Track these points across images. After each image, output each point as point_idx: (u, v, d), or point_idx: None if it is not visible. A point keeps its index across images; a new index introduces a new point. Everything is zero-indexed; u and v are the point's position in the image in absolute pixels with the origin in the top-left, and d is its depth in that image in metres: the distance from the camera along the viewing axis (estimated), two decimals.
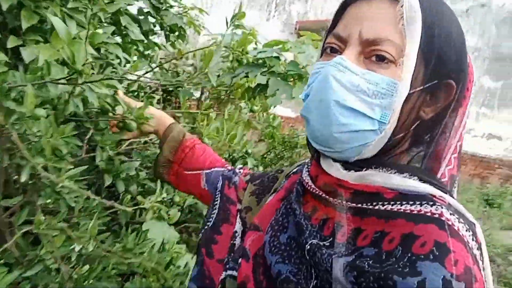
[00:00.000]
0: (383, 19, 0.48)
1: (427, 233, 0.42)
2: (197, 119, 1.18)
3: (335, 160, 0.53)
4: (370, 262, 0.43)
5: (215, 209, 0.78)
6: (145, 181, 1.08)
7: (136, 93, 1.23)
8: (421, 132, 0.51)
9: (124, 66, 1.03)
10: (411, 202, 0.46)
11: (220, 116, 1.23)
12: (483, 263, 0.45)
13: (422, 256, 0.41)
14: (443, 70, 0.49)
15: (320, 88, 0.50)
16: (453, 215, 0.45)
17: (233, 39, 1.35)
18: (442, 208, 0.45)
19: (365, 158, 0.51)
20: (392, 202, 0.47)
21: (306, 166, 0.61)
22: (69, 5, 0.70)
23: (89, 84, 0.65)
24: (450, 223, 0.44)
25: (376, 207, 0.47)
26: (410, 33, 0.47)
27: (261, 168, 1.27)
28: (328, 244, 0.49)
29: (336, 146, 0.51)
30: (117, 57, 0.88)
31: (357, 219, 0.49)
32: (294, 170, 0.70)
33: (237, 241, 0.66)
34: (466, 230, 0.45)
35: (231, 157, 1.22)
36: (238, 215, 0.72)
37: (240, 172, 0.85)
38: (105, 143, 0.86)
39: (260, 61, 1.75)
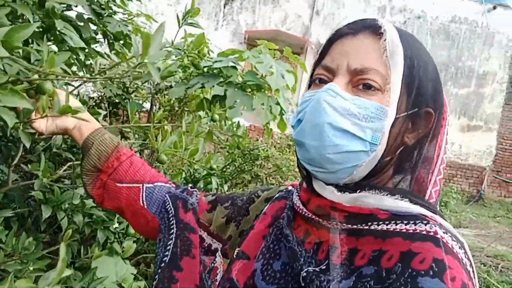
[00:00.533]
0: (368, 52, 0.53)
1: (424, 250, 0.44)
2: (149, 133, 1.05)
3: (327, 184, 0.54)
4: (372, 283, 0.44)
5: (171, 239, 0.68)
6: (92, 210, 0.93)
7: None
8: (404, 158, 0.54)
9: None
10: (405, 222, 0.48)
11: (176, 128, 1.11)
12: (475, 281, 0.47)
13: (423, 272, 0.42)
14: (422, 99, 0.53)
15: (313, 112, 0.52)
16: (446, 233, 0.47)
17: (186, 41, 1.24)
18: (435, 226, 0.47)
19: (356, 181, 0.53)
20: (386, 222, 0.49)
21: (295, 191, 0.62)
22: None
23: None
24: (444, 241, 0.46)
25: (372, 227, 0.49)
26: (394, 64, 0.51)
27: (225, 187, 1.16)
28: (324, 267, 0.49)
29: (329, 166, 0.52)
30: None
31: (352, 239, 0.50)
32: (276, 195, 0.68)
33: (218, 277, 0.63)
34: (459, 248, 0.47)
35: (191, 176, 1.10)
36: (219, 251, 0.67)
37: (195, 191, 0.76)
38: (37, 168, 0.71)
39: (215, 71, 1.66)
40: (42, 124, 0.71)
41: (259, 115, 1.78)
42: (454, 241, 0.47)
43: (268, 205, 0.66)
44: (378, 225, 0.49)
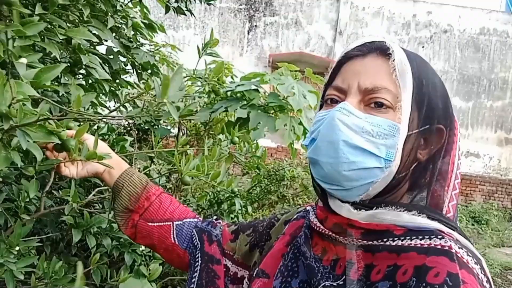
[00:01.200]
0: (378, 71, 0.54)
1: (439, 264, 0.44)
2: (173, 157, 1.08)
3: (343, 201, 0.54)
4: None
5: (196, 271, 0.70)
6: (119, 233, 0.96)
7: (107, 136, 1.13)
8: (418, 174, 0.54)
9: (88, 108, 0.94)
10: (420, 237, 0.48)
11: (199, 152, 1.14)
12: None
13: (437, 286, 0.42)
14: (433, 115, 0.54)
15: (328, 131, 0.53)
16: (462, 248, 0.47)
17: (207, 69, 1.28)
18: (450, 241, 0.47)
19: (372, 198, 0.53)
20: (402, 238, 0.49)
21: (312, 210, 0.63)
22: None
23: (22, 128, 0.52)
24: (459, 255, 0.45)
25: (387, 243, 0.49)
26: (403, 83, 0.53)
27: (249, 208, 1.17)
28: (342, 283, 0.50)
29: (345, 184, 0.53)
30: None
31: (368, 255, 0.50)
32: (295, 216, 0.69)
33: None
34: (475, 263, 0.46)
35: (216, 198, 1.12)
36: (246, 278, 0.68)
37: (219, 223, 0.78)
38: (67, 194, 0.74)
39: (239, 94, 1.70)
40: (72, 170, 0.75)
41: (283, 136, 1.80)
42: (469, 256, 0.47)
43: (286, 226, 0.67)
44: (394, 241, 0.49)
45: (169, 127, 2.41)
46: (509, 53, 9.44)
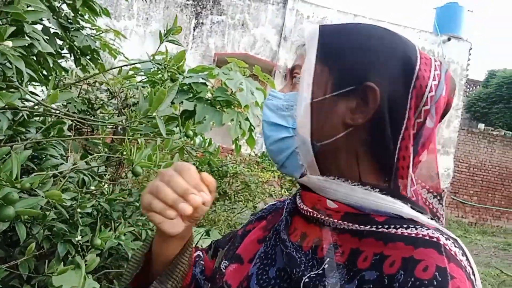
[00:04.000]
0: (300, 55, 0.58)
1: (427, 257, 0.42)
2: (123, 146, 1.02)
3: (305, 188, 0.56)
4: None
5: None
6: (53, 222, 0.89)
7: (42, 118, 1.04)
8: (355, 141, 0.51)
9: (27, 84, 0.86)
10: (405, 226, 0.46)
11: (150, 142, 1.09)
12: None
13: (426, 282, 0.40)
14: (353, 75, 0.50)
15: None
16: (448, 239, 0.45)
17: (166, 57, 1.24)
18: (437, 232, 0.45)
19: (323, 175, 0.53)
20: (386, 226, 0.47)
21: (298, 194, 0.60)
22: None
23: None
24: (447, 247, 0.43)
25: (372, 229, 0.47)
26: (308, 52, 0.54)
27: None
28: (326, 266, 0.47)
29: (276, 159, 0.57)
30: (18, 72, 0.72)
31: (355, 240, 0.48)
32: (268, 206, 0.69)
33: None
34: (462, 255, 0.45)
35: None
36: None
37: (198, 257, 0.69)
38: None
39: (185, 87, 1.67)
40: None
41: (225, 136, 1.79)
42: (456, 247, 0.45)
43: (263, 212, 0.66)
44: (378, 228, 0.47)
45: (107, 118, 2.29)
46: None
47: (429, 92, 0.50)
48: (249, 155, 2.41)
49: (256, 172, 2.01)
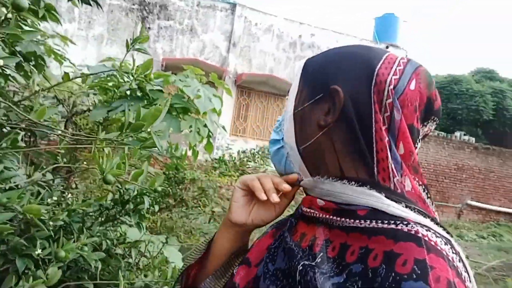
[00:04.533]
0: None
1: (406, 251, 0.43)
2: (90, 155, 1.00)
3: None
4: (360, 283, 0.44)
5: None
6: (9, 236, 0.85)
7: None
8: (335, 137, 0.55)
9: None
10: (385, 221, 0.48)
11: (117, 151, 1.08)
12: (468, 275, 0.45)
13: (406, 276, 0.41)
14: (321, 82, 0.58)
15: None
16: (429, 231, 0.46)
17: (131, 64, 1.23)
18: (416, 226, 0.46)
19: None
20: (367, 220, 0.49)
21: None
22: None
23: None
24: (427, 239, 0.44)
25: (355, 224, 0.49)
26: (294, 81, 0.62)
27: (156, 208, 1.15)
28: (319, 260, 0.50)
29: (279, 170, 0.64)
30: None
31: (343, 234, 0.50)
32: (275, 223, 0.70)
33: None
34: (445, 244, 0.45)
35: (121, 197, 1.06)
36: None
37: None
38: None
39: (139, 93, 1.65)
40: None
41: (178, 141, 1.78)
42: (438, 237, 0.46)
43: (277, 222, 0.67)
44: (361, 223, 0.49)
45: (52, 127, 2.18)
46: None
47: (389, 85, 0.54)
48: (206, 160, 2.42)
49: (214, 178, 2.03)
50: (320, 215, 0.54)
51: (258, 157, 2.51)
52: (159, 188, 1.04)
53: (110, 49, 8.88)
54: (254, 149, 2.63)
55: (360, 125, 0.53)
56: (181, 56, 9.41)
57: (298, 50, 10.40)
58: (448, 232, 0.50)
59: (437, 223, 0.50)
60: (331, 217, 0.53)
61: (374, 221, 0.48)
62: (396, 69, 0.55)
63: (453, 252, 0.45)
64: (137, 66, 1.23)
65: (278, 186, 0.60)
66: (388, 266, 0.43)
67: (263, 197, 0.59)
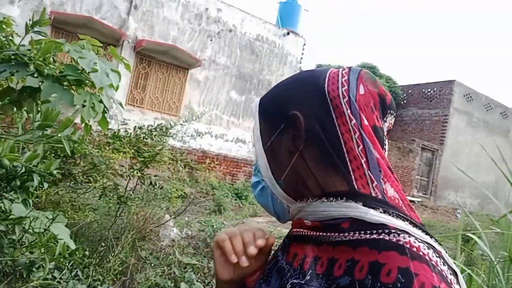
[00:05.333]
0: None
1: (390, 260, 0.44)
2: None
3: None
4: None
5: None
6: None
7: None
8: (307, 158, 0.57)
9: None
10: (368, 232, 0.48)
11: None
12: (456, 276, 0.47)
13: (390, 286, 0.42)
14: (277, 115, 0.61)
15: None
16: (411, 237, 0.47)
17: (33, 46, 1.14)
18: (398, 234, 0.47)
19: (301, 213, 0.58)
20: (351, 232, 0.50)
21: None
22: None
23: None
24: (408, 246, 0.45)
25: (340, 238, 0.50)
26: (255, 121, 0.65)
27: (46, 185, 1.11)
28: (308, 278, 0.51)
29: (270, 212, 0.66)
30: None
31: (330, 249, 0.51)
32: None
33: None
34: (428, 248, 0.46)
35: (8, 174, 1.00)
36: None
37: None
38: None
39: (26, 58, 1.52)
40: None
41: (67, 109, 1.70)
42: (421, 242, 0.46)
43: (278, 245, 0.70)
44: (345, 236, 0.50)
45: None
46: (274, 60, 11.54)
47: (343, 98, 0.57)
48: (99, 135, 2.32)
49: (107, 153, 1.97)
50: (309, 233, 0.55)
51: (156, 134, 2.49)
52: (55, 172, 1.02)
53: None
54: (152, 126, 2.60)
55: (328, 141, 0.56)
56: (73, 12, 8.45)
57: (204, 23, 10.24)
58: (428, 234, 0.50)
59: (417, 226, 0.50)
60: (318, 233, 0.53)
61: (357, 232, 0.49)
62: (341, 81, 0.59)
63: (436, 256, 0.46)
64: (36, 48, 1.15)
65: (247, 248, 0.60)
66: (374, 277, 0.43)
67: (233, 259, 0.60)
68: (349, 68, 0.61)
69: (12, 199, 1.18)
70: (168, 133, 2.57)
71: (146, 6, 9.37)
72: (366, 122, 0.56)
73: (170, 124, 2.62)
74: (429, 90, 15.89)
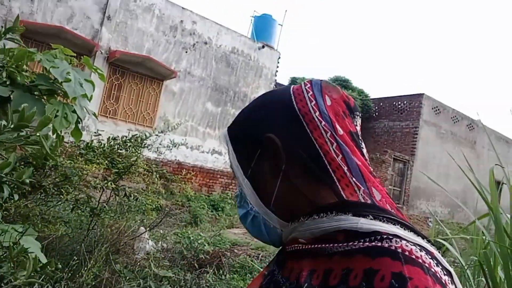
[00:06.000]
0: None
1: (383, 266, 0.44)
2: None
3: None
4: None
5: None
6: None
7: None
8: (292, 177, 0.57)
9: None
10: (362, 240, 0.49)
11: None
12: (450, 276, 0.47)
13: None
14: (255, 142, 0.60)
15: None
16: (402, 240, 0.47)
17: (6, 53, 1.11)
18: (390, 240, 0.47)
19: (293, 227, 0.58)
20: (345, 243, 0.50)
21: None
22: None
23: None
24: (401, 250, 0.45)
25: (334, 249, 0.51)
26: (228, 152, 0.64)
27: (16, 197, 1.07)
28: None
29: (264, 241, 0.63)
30: None
31: (325, 260, 0.51)
32: None
33: None
34: (420, 251, 0.46)
35: None
36: None
37: None
38: None
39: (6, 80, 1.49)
40: None
41: (54, 123, 1.66)
42: (413, 245, 0.46)
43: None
44: (340, 246, 0.50)
45: None
46: (250, 72, 11.66)
47: (314, 112, 0.58)
48: (70, 146, 2.26)
49: (79, 164, 1.92)
50: (304, 247, 0.55)
51: (130, 145, 2.45)
52: (27, 180, 1.00)
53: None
54: (126, 136, 2.56)
55: (309, 156, 0.56)
56: (43, 21, 8.27)
57: (179, 35, 10.25)
58: (419, 235, 0.51)
59: (408, 227, 0.51)
60: (314, 246, 0.54)
61: (351, 242, 0.49)
62: (308, 96, 0.60)
63: (429, 258, 0.46)
64: (9, 55, 1.13)
65: None
66: (368, 284, 0.43)
67: None
68: (310, 82, 0.62)
69: None
70: (143, 144, 2.54)
71: (119, 17, 9.30)
72: (341, 132, 0.57)
73: (145, 135, 2.59)
74: (399, 103, 16.42)
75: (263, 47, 11.84)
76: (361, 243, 0.48)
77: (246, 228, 0.65)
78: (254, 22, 12.57)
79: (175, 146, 3.14)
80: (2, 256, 0.98)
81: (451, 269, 0.48)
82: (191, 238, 3.97)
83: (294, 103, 0.59)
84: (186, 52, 10.40)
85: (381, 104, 17.14)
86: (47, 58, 1.55)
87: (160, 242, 4.03)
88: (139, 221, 3.65)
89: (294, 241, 0.58)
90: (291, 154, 0.57)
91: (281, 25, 12.87)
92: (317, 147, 0.56)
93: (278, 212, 0.59)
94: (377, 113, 17.12)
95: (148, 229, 3.58)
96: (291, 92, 0.61)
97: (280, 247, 0.64)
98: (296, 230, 0.57)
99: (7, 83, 1.48)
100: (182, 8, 10.34)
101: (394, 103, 16.61)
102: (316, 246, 0.53)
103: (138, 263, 2.77)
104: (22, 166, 1.43)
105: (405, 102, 16.27)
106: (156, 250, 3.53)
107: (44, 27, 8.04)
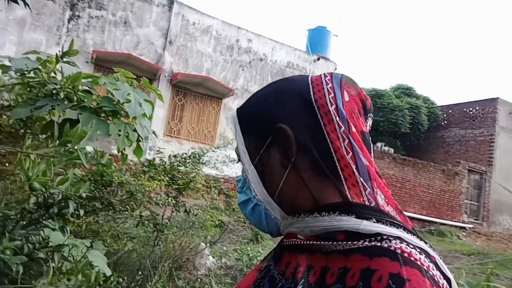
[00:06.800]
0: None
1: (381, 266, 0.43)
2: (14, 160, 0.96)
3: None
4: None
5: None
6: None
7: None
8: (300, 169, 0.55)
9: None
10: (361, 240, 0.48)
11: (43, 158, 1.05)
12: (448, 281, 0.46)
13: None
14: (266, 129, 0.58)
15: None
16: (403, 242, 0.46)
17: (63, 76, 1.20)
18: (390, 241, 0.46)
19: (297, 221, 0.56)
20: (344, 242, 0.49)
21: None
22: None
23: None
24: (400, 251, 0.45)
25: (333, 247, 0.50)
26: (236, 136, 0.63)
27: (82, 212, 1.13)
28: (301, 287, 0.50)
29: (263, 230, 0.63)
30: None
31: (322, 257, 0.50)
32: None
33: None
34: (420, 254, 0.46)
35: (45, 201, 1.04)
36: None
37: None
38: None
39: (57, 86, 1.60)
40: None
41: (104, 142, 1.76)
42: (413, 248, 0.46)
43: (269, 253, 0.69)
44: (339, 244, 0.49)
45: None
46: None
47: (331, 105, 0.56)
48: (135, 164, 2.38)
49: (143, 181, 2.01)
50: (302, 242, 0.54)
51: (189, 162, 2.53)
52: (84, 194, 1.04)
53: (34, 35, 8.21)
54: (186, 154, 2.65)
55: (319, 150, 0.55)
56: (113, 50, 9.01)
57: (235, 54, 10.54)
58: (422, 239, 0.50)
59: (410, 231, 0.50)
60: (312, 242, 0.53)
61: (350, 241, 0.48)
62: (327, 88, 0.58)
63: (429, 261, 0.45)
64: (65, 77, 1.21)
65: None
66: (365, 283, 0.43)
67: None
68: (331, 75, 0.60)
69: (54, 228, 1.21)
70: (201, 160, 2.60)
71: (180, 41, 9.81)
72: (354, 129, 0.56)
73: (203, 151, 2.66)
74: (471, 109, 15.21)
75: (318, 59, 11.74)
76: (361, 242, 0.47)
77: (244, 215, 0.63)
78: (309, 34, 12.54)
79: (231, 161, 3.17)
80: (70, 269, 1.03)
81: (451, 277, 0.47)
82: (250, 255, 3.94)
83: (312, 93, 0.58)
84: (243, 69, 10.64)
85: (450, 111, 15.99)
86: (110, 82, 1.65)
87: (222, 259, 4.05)
88: (203, 237, 3.69)
89: (292, 236, 0.57)
90: (302, 145, 0.55)
91: (336, 36, 12.70)
92: (328, 142, 0.55)
93: (281, 203, 0.58)
94: (446, 121, 15.99)
95: (208, 245, 3.63)
96: (309, 82, 0.59)
97: (278, 243, 0.63)
98: (295, 225, 0.56)
99: (77, 106, 1.59)
100: (238, 27, 10.65)
101: (465, 109, 15.41)
102: (314, 242, 0.52)
103: (199, 280, 2.80)
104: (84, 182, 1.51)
105: (477, 108, 15.03)
106: (217, 267, 3.55)
107: (113, 55, 8.74)
